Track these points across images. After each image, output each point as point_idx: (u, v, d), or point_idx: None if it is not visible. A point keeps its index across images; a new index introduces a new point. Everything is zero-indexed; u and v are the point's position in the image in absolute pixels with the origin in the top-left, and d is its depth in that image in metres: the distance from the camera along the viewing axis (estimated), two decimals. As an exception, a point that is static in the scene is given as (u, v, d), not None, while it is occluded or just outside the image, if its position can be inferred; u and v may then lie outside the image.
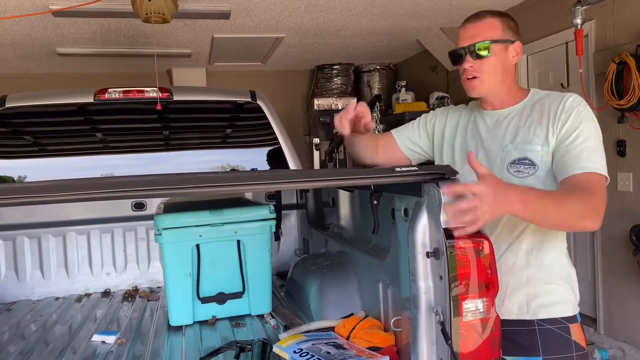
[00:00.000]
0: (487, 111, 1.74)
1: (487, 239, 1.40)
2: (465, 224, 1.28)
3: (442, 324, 1.37)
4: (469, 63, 1.65)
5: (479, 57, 1.63)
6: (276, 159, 3.25)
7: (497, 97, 1.70)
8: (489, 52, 1.63)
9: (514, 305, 1.62)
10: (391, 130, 1.97)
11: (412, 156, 1.91)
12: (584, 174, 1.51)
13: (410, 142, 1.90)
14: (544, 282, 1.61)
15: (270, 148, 3.27)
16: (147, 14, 3.47)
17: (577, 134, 1.55)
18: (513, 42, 1.66)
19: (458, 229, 1.33)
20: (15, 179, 2.99)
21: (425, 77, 6.29)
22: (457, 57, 1.69)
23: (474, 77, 1.66)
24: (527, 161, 1.59)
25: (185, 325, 2.36)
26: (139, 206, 3.17)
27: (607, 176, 1.53)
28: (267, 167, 3.26)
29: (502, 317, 1.49)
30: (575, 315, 1.63)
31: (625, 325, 3.79)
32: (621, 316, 3.82)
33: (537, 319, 1.60)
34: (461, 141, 1.77)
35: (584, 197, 1.45)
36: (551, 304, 1.61)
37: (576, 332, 1.61)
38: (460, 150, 1.77)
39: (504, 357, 1.56)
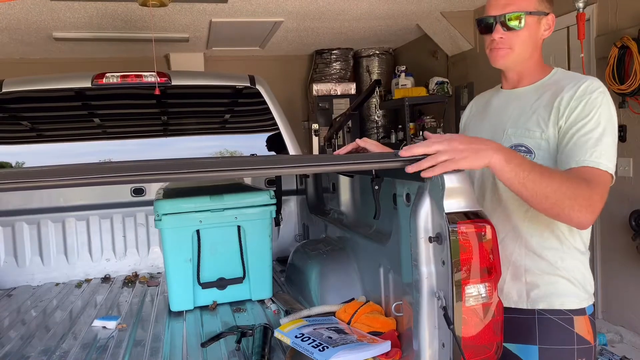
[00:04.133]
0: (503, 90, 1.66)
1: (489, 223, 1.39)
2: (438, 165, 1.27)
3: (445, 309, 1.37)
4: (498, 34, 1.53)
5: (511, 28, 1.51)
6: (276, 144, 3.23)
7: (519, 73, 1.60)
8: (522, 24, 1.50)
9: (513, 292, 1.58)
10: None
11: None
12: (581, 168, 1.39)
13: None
14: (545, 272, 1.54)
15: (269, 133, 3.25)
16: (144, -2, 3.43)
17: (584, 123, 1.42)
18: (547, 14, 1.54)
19: (427, 170, 1.30)
20: (13, 164, 2.97)
21: (425, 62, 6.25)
22: (485, 25, 1.56)
23: (502, 48, 1.55)
24: (523, 148, 1.50)
25: (186, 311, 2.37)
26: (138, 192, 3.15)
27: (612, 175, 1.40)
28: (267, 153, 3.24)
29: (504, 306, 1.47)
30: (582, 309, 1.54)
31: (623, 309, 3.81)
32: (619, 301, 3.84)
33: (537, 309, 1.55)
34: (474, 126, 1.71)
35: (580, 184, 1.35)
36: (552, 295, 1.54)
37: (581, 325, 1.53)
38: (475, 133, 1.68)
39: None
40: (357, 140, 1.68)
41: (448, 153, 1.26)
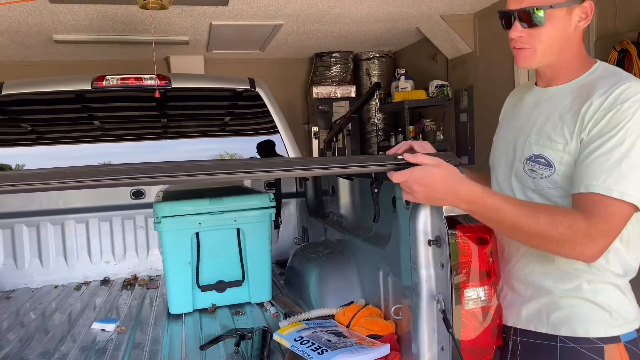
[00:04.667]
0: (536, 87, 1.45)
1: (488, 227, 1.39)
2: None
3: (444, 312, 1.37)
4: (516, 32, 1.32)
5: (532, 24, 1.30)
6: (276, 147, 3.23)
7: (552, 70, 1.38)
8: (542, 20, 1.28)
9: (532, 314, 1.37)
10: None
11: None
12: (588, 195, 1.20)
13: None
14: (567, 295, 1.32)
15: (269, 136, 3.25)
16: (144, 0, 3.43)
17: (606, 139, 1.20)
18: (581, 1, 1.29)
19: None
20: (13, 167, 2.97)
21: (425, 65, 6.25)
22: (505, 20, 1.36)
23: (523, 48, 1.34)
24: (542, 160, 1.32)
25: (185, 314, 2.36)
26: (138, 194, 3.15)
27: (634, 203, 1.17)
28: (266, 156, 3.24)
29: (522, 328, 1.38)
30: (616, 336, 1.30)
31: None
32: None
33: (559, 335, 1.33)
34: (505, 126, 1.53)
35: (572, 221, 1.18)
36: (574, 320, 1.31)
37: (614, 355, 1.29)
38: (502, 137, 1.51)
39: None
40: (413, 143, 1.51)
41: (407, 189, 1.30)
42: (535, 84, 1.46)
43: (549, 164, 1.31)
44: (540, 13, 1.28)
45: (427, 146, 1.50)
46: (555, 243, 1.21)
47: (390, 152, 1.47)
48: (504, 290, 1.45)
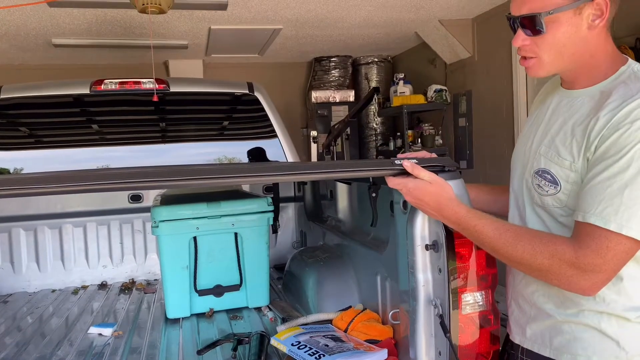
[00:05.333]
0: (562, 89, 1.31)
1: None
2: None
3: (441, 316, 1.37)
4: (519, 40, 1.21)
5: (534, 32, 1.18)
6: (274, 151, 3.23)
7: (572, 74, 1.25)
8: (543, 27, 1.16)
9: (536, 335, 1.30)
10: None
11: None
12: (584, 225, 1.10)
13: None
14: (570, 320, 1.22)
15: (267, 140, 3.25)
16: (143, 5, 3.44)
17: (611, 162, 1.08)
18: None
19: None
20: (12, 170, 2.97)
21: (424, 70, 6.27)
22: (510, 26, 1.25)
23: (528, 58, 1.23)
24: (549, 176, 1.21)
25: (183, 318, 2.36)
26: (136, 198, 3.15)
27: (634, 237, 1.06)
28: (265, 160, 3.24)
29: (527, 348, 1.31)
30: None
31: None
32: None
33: None
34: (527, 128, 1.40)
35: (551, 248, 1.11)
36: (576, 346, 1.21)
37: None
38: (522, 141, 1.39)
39: None
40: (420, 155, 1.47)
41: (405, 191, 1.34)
42: (561, 85, 1.32)
43: (554, 181, 1.20)
44: (538, 20, 1.15)
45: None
46: (538, 272, 1.16)
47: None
48: (512, 306, 1.40)
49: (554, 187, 1.20)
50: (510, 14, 1.24)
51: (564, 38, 1.17)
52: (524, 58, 1.24)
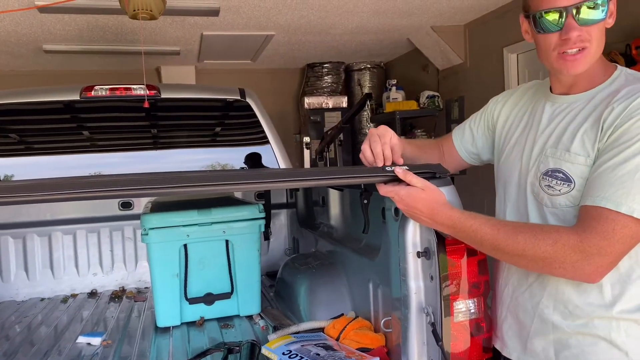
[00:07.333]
0: (552, 95, 1.32)
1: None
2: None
3: (433, 324, 1.36)
4: (575, 31, 1.16)
5: (590, 21, 1.16)
6: (266, 157, 3.22)
7: (576, 76, 1.25)
8: (604, 11, 1.16)
9: (539, 350, 1.27)
10: (452, 132, 1.64)
11: (478, 162, 1.62)
12: (592, 209, 1.10)
13: (470, 147, 1.59)
14: (578, 332, 1.20)
15: (259, 146, 3.24)
16: (134, 10, 3.42)
17: (622, 149, 1.10)
18: None
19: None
20: (1, 177, 2.94)
21: (416, 76, 6.29)
22: (549, 22, 1.19)
23: (581, 49, 1.18)
24: (560, 175, 1.20)
25: (173, 327, 2.33)
26: (126, 205, 3.12)
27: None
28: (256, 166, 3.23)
29: None
30: None
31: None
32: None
33: None
34: (519, 133, 1.39)
35: (554, 234, 1.11)
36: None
37: None
38: (516, 144, 1.39)
39: None
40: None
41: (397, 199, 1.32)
42: (550, 90, 1.34)
43: (567, 179, 1.19)
44: (604, 4, 1.16)
45: (396, 148, 1.42)
46: (542, 262, 1.13)
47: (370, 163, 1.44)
48: (508, 320, 1.36)
49: (567, 185, 1.19)
50: (554, 7, 1.18)
51: (603, 30, 1.21)
52: (565, 53, 1.20)
